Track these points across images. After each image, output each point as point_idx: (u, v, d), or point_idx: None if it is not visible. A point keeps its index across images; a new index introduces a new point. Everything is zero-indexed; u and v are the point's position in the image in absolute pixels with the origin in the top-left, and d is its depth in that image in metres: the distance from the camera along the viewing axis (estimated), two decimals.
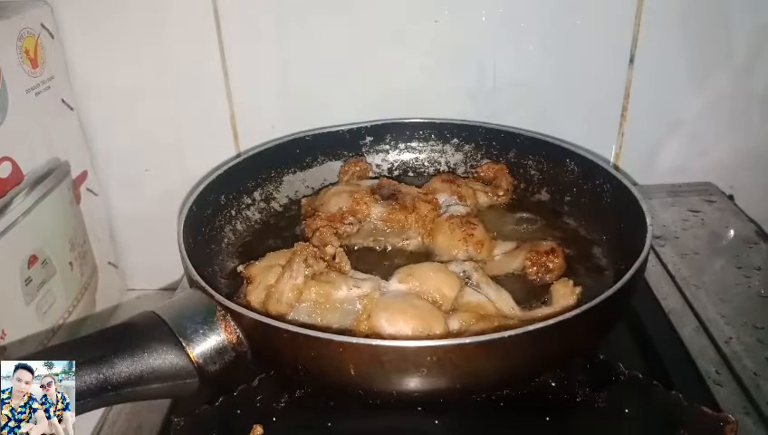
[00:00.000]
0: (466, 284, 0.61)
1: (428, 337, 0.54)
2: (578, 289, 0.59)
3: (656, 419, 0.53)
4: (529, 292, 0.63)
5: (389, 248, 0.70)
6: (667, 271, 0.73)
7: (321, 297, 0.57)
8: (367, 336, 0.54)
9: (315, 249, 0.60)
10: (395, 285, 0.59)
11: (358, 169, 0.81)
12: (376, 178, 0.82)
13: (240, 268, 0.62)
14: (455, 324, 0.56)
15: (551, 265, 0.64)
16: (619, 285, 0.52)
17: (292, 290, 0.57)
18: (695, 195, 0.89)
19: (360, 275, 0.61)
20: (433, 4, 0.81)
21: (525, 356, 0.50)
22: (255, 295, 0.59)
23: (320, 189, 0.80)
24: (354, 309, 0.57)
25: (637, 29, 0.82)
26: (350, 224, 0.69)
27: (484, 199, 0.77)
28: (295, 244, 0.60)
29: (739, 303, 0.68)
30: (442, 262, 0.65)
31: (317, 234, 0.65)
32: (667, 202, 0.87)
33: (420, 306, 0.56)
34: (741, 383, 0.58)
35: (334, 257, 0.61)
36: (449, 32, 0.82)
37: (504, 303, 0.59)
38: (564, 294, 0.59)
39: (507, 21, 0.82)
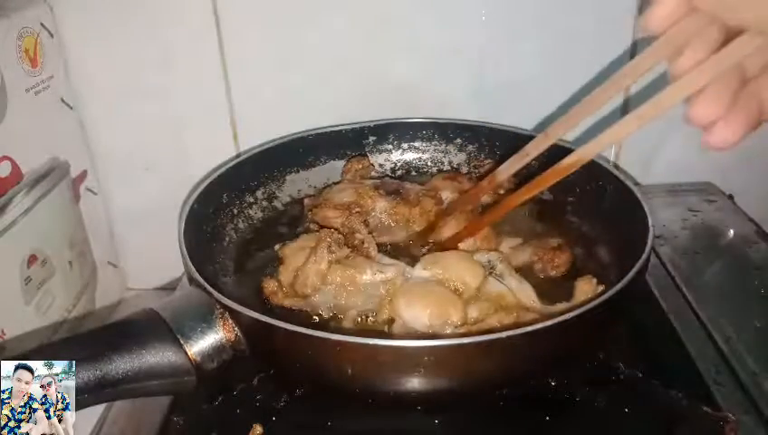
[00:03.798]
0: (490, 273, 0.61)
1: (434, 335, 0.55)
2: (600, 287, 0.59)
3: (656, 418, 0.53)
4: (551, 287, 0.64)
5: (394, 243, 0.70)
6: (667, 271, 0.73)
7: (345, 280, 0.60)
8: (389, 320, 0.58)
9: (340, 236, 0.62)
10: (419, 271, 0.61)
11: (360, 166, 0.81)
12: (380, 177, 0.82)
13: (276, 247, 0.66)
14: (473, 313, 0.57)
15: (557, 261, 0.65)
16: (619, 286, 0.52)
17: (315, 275, 0.59)
18: (695, 195, 0.88)
19: (386, 260, 0.63)
20: (433, 3, 0.81)
21: (524, 356, 0.50)
22: (285, 276, 0.62)
23: (323, 189, 0.80)
24: (378, 293, 0.59)
25: (636, 29, 0.82)
26: (358, 213, 0.70)
27: (485, 198, 0.77)
28: (321, 230, 0.62)
29: (739, 302, 0.68)
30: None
31: (345, 222, 0.66)
32: (666, 202, 0.87)
33: (439, 293, 0.58)
34: (741, 383, 0.57)
35: (363, 243, 0.63)
36: (449, 31, 0.82)
37: (524, 295, 0.60)
38: (586, 291, 0.59)
39: (507, 20, 0.82)
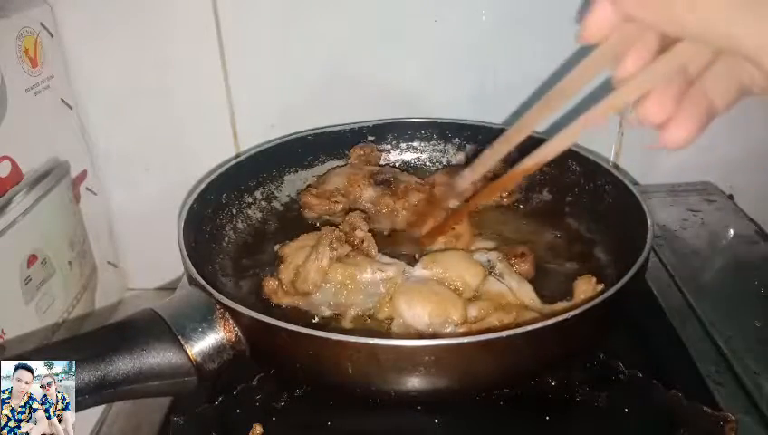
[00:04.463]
0: (490, 273, 0.62)
1: (435, 334, 0.55)
2: (600, 286, 0.59)
3: (656, 418, 0.53)
4: (550, 286, 0.64)
5: (377, 230, 0.71)
6: (667, 271, 0.73)
7: (346, 279, 0.60)
8: (388, 318, 0.59)
9: (341, 233, 0.62)
10: (419, 270, 0.61)
11: (362, 152, 0.82)
12: (384, 165, 0.83)
13: (276, 247, 0.67)
14: (473, 312, 0.57)
15: (516, 269, 0.64)
16: (619, 285, 0.52)
17: (316, 271, 0.59)
18: (694, 194, 0.88)
19: (386, 259, 0.63)
20: (433, 3, 0.81)
21: (524, 356, 0.50)
22: (286, 275, 0.62)
23: (327, 171, 0.82)
24: (378, 292, 0.60)
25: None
26: (336, 202, 0.73)
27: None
28: (322, 227, 0.62)
29: (739, 302, 0.68)
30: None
31: (348, 219, 0.67)
32: (666, 202, 0.87)
33: (439, 292, 0.58)
34: (741, 383, 0.58)
35: (363, 242, 0.63)
36: (449, 31, 0.82)
37: (524, 294, 0.60)
38: (585, 291, 0.59)
39: (507, 20, 0.82)
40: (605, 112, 0.42)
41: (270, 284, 0.63)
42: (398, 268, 0.61)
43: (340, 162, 0.84)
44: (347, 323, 0.60)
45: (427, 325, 0.56)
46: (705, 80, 0.37)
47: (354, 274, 0.60)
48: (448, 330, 0.56)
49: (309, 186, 0.78)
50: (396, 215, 0.73)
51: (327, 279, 0.60)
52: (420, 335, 0.56)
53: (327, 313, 0.61)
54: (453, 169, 0.80)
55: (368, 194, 0.74)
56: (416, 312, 0.57)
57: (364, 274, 0.60)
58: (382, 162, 0.86)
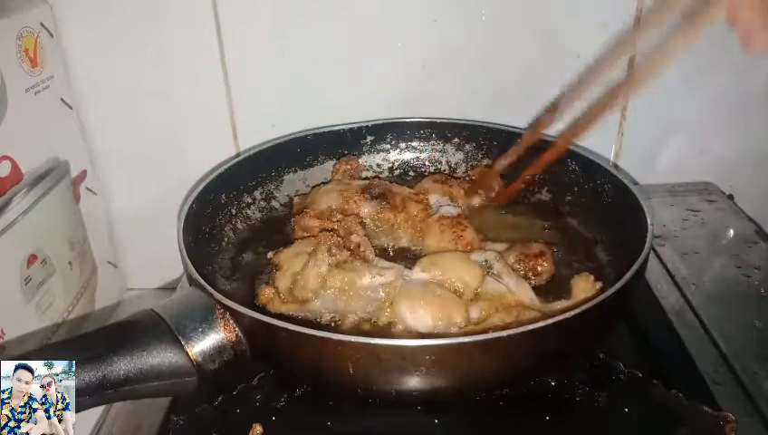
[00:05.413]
0: (488, 273, 0.61)
1: (439, 334, 0.55)
2: (598, 284, 0.59)
3: (656, 418, 0.53)
4: (547, 284, 0.64)
5: (378, 247, 0.70)
6: (667, 271, 0.73)
7: (345, 285, 0.59)
8: (389, 324, 0.57)
9: (339, 239, 0.61)
10: (417, 273, 0.61)
11: (349, 167, 0.81)
12: (370, 178, 0.82)
13: (270, 255, 0.65)
14: (475, 313, 0.57)
15: (539, 269, 0.64)
16: (618, 285, 0.52)
17: (316, 278, 0.59)
18: (694, 194, 0.88)
19: (383, 263, 0.62)
20: (433, 3, 0.81)
21: (525, 355, 0.50)
22: (283, 282, 0.61)
23: (313, 188, 0.80)
24: (377, 297, 0.59)
25: (636, 29, 0.82)
26: (337, 221, 0.69)
27: (476, 200, 0.77)
28: (320, 233, 0.62)
29: (739, 302, 0.68)
30: None
31: (342, 223, 0.66)
32: (666, 202, 0.87)
33: (441, 295, 0.58)
34: (741, 383, 0.58)
35: (359, 246, 0.62)
36: (449, 31, 0.82)
37: (523, 294, 0.60)
38: (584, 289, 0.59)
39: (507, 21, 0.82)
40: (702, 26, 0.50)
41: (266, 292, 0.61)
42: (397, 272, 0.60)
43: None
44: (347, 329, 0.58)
45: (431, 328, 0.56)
46: None
47: (353, 279, 0.59)
48: (452, 332, 0.56)
49: (303, 209, 0.73)
50: (396, 229, 0.71)
51: (326, 286, 0.59)
52: (421, 336, 0.56)
53: (326, 319, 0.60)
54: (441, 176, 0.79)
55: (365, 210, 0.71)
56: (418, 315, 0.56)
57: (363, 278, 0.59)
58: (381, 162, 0.86)
